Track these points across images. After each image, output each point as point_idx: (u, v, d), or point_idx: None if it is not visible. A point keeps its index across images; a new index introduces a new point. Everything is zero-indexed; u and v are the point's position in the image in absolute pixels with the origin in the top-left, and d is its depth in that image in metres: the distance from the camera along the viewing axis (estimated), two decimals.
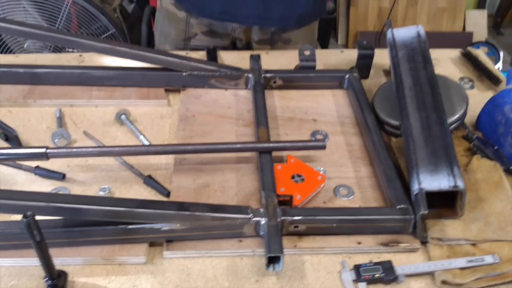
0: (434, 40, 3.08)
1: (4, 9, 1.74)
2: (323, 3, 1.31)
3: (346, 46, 2.95)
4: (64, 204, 0.67)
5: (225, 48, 1.31)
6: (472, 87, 1.10)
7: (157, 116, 0.98)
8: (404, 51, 0.95)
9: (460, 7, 2.94)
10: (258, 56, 1.07)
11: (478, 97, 1.05)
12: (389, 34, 0.99)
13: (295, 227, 0.72)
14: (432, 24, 2.94)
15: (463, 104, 0.92)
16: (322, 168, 0.85)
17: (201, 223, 0.70)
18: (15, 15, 1.75)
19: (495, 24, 3.21)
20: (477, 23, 2.96)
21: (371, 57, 1.06)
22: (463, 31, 2.96)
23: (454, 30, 2.95)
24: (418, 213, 0.72)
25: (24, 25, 0.97)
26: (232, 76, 1.02)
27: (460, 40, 2.89)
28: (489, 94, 1.03)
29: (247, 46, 1.32)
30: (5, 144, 0.90)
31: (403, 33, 0.98)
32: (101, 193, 0.80)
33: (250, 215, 0.71)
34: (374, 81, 1.09)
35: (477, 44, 2.79)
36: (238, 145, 0.85)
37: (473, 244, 0.73)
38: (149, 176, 0.83)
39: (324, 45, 2.78)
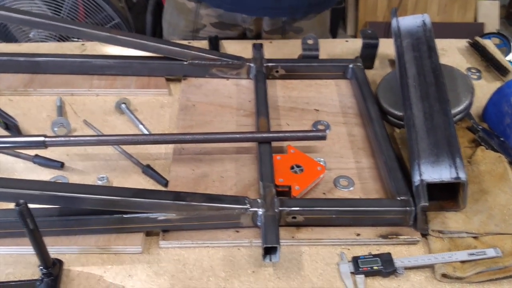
0: (445, 31, 3.03)
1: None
2: None
3: (355, 36, 2.91)
4: (59, 192, 0.66)
5: (234, 39, 1.29)
6: (479, 77, 1.08)
7: (157, 106, 0.97)
8: (408, 40, 0.93)
9: None
10: (261, 45, 1.06)
11: (485, 88, 1.02)
12: (394, 22, 0.97)
13: (293, 218, 0.71)
14: (443, 14, 2.89)
15: (469, 95, 0.90)
16: (322, 159, 0.84)
17: (197, 213, 0.69)
18: (21, 4, 1.75)
19: (508, 15, 3.15)
20: (489, 13, 2.91)
21: (375, 46, 1.04)
22: (474, 21, 2.91)
23: (465, 21, 2.90)
24: (419, 205, 0.70)
25: (26, 14, 0.97)
26: (233, 65, 1.00)
27: (471, 31, 2.84)
28: (496, 85, 1.01)
29: (257, 37, 1.30)
30: (5, 133, 0.90)
31: (408, 21, 0.96)
32: (99, 182, 0.80)
33: (247, 206, 0.70)
34: (379, 71, 1.07)
35: (489, 35, 2.74)
36: (237, 135, 0.84)
37: (475, 237, 0.72)
38: (148, 166, 0.82)
39: (333, 35, 2.75)
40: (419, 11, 2.87)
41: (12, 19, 0.97)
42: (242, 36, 1.32)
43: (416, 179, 0.72)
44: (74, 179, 0.81)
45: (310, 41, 1.03)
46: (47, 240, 0.62)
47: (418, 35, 0.93)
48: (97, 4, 1.58)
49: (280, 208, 0.70)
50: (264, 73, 0.99)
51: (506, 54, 2.61)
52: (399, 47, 0.92)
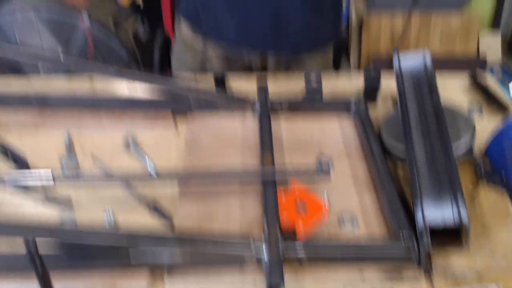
0: (448, 63, 3.07)
1: (20, 31, 1.79)
2: (336, 28, 1.32)
3: (359, 66, 2.95)
4: (68, 240, 0.68)
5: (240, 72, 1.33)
6: (480, 113, 1.09)
7: (163, 141, 0.99)
8: (410, 79, 0.95)
9: (474, 28, 2.93)
10: (266, 85, 1.08)
11: (486, 124, 1.04)
12: (395, 61, 0.99)
13: (298, 258, 0.72)
14: (445, 46, 2.93)
15: (470, 133, 0.91)
16: (325, 194, 0.85)
17: (202, 255, 0.71)
18: (30, 37, 1.79)
19: (510, 48, 3.19)
20: (491, 45, 2.95)
21: (378, 84, 1.06)
22: (477, 53, 2.95)
23: (468, 52, 2.94)
24: (422, 250, 0.71)
25: (34, 53, 1.00)
26: (239, 104, 1.03)
27: (474, 62, 2.88)
28: (498, 121, 1.03)
29: (263, 71, 1.34)
30: (14, 167, 0.92)
31: (409, 60, 0.99)
32: (105, 216, 0.81)
33: (253, 250, 0.71)
34: (382, 107, 1.09)
35: (491, 67, 2.77)
36: (242, 174, 0.86)
37: (478, 273, 0.72)
38: (153, 202, 0.84)
39: (337, 66, 2.80)
40: (421, 42, 2.92)
41: (24, 58, 1.00)
42: (248, 70, 1.35)
43: (419, 220, 0.73)
44: (80, 212, 0.83)
45: (313, 81, 1.05)
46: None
47: (419, 74, 0.95)
48: (106, 39, 1.62)
49: (285, 252, 0.71)
50: (269, 111, 1.02)
51: (508, 85, 2.64)
52: (400, 87, 0.94)
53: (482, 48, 2.95)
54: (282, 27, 1.21)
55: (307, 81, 1.07)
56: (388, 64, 3.03)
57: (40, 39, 1.71)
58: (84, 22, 1.62)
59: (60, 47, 1.73)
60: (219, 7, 1.20)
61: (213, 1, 1.20)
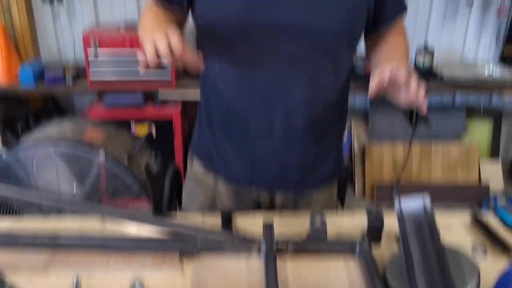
0: (450, 193, 3.12)
1: (38, 164, 1.87)
2: (339, 165, 1.39)
3: (363, 196, 3.00)
4: None
5: (249, 209, 1.36)
6: (484, 254, 1.10)
7: (170, 285, 1.00)
8: (411, 224, 0.98)
9: (474, 157, 3.03)
10: (271, 225, 1.11)
11: (491, 266, 1.04)
12: (396, 205, 1.03)
13: None
14: (447, 175, 3.01)
15: (474, 277, 0.92)
16: None
17: None
18: (47, 169, 1.87)
19: (511, 174, 3.26)
20: (492, 173, 3.02)
21: (381, 226, 1.09)
22: (479, 181, 3.01)
23: (470, 181, 3.00)
24: None
25: (49, 196, 1.05)
26: (245, 245, 1.05)
27: (476, 191, 2.93)
28: (503, 263, 1.03)
29: (271, 207, 1.38)
30: None
31: (410, 204, 1.02)
32: None
33: None
34: (387, 247, 1.10)
35: (495, 195, 2.81)
36: None
37: None
38: None
39: (342, 196, 2.84)
40: (423, 170, 3.00)
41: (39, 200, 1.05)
42: (257, 206, 1.39)
43: None
44: None
45: (317, 221, 1.08)
46: None
47: (420, 218, 0.98)
48: (119, 174, 1.70)
49: None
50: (274, 252, 1.03)
51: None
52: (402, 231, 0.97)
53: (483, 176, 3.02)
54: (288, 169, 1.27)
55: (312, 222, 1.10)
56: (392, 191, 3.07)
57: (56, 173, 1.78)
58: (100, 157, 1.70)
59: (75, 180, 1.80)
60: (229, 150, 1.28)
61: (224, 144, 1.28)
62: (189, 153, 1.44)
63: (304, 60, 1.13)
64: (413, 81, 1.02)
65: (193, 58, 1.00)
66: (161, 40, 0.96)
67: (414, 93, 1.01)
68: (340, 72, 1.21)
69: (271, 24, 1.09)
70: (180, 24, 1.23)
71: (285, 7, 1.08)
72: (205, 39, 1.19)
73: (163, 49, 0.95)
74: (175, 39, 0.96)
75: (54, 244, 1.06)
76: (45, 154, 1.85)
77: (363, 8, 1.15)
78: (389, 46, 1.23)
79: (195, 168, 1.39)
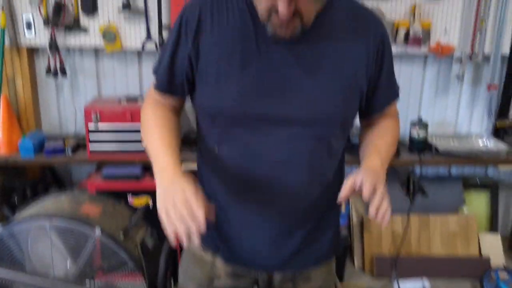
0: (451, 266, 3.06)
1: (32, 238, 1.85)
2: (338, 241, 1.38)
3: (363, 268, 2.94)
4: None
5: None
6: None
7: None
8: None
9: (472, 230, 3.00)
10: None
11: None
12: None
13: None
14: (447, 247, 2.97)
15: None
16: None
17: None
18: (40, 244, 1.85)
19: (511, 247, 3.22)
20: (492, 247, 2.98)
21: None
22: (479, 254, 2.97)
23: (470, 253, 2.96)
24: None
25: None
26: None
27: (477, 265, 2.87)
28: None
29: (269, 285, 1.35)
30: None
31: (408, 286, 1.01)
32: None
33: None
34: None
35: (496, 270, 2.76)
36: None
37: None
38: None
39: (341, 268, 2.80)
40: (423, 243, 2.97)
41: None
42: (256, 285, 1.37)
43: None
44: None
45: None
46: None
47: None
48: (114, 250, 1.67)
49: None
50: None
51: None
52: None
53: (483, 249, 2.98)
54: (285, 250, 1.27)
55: None
56: (390, 264, 3.03)
57: (50, 248, 1.76)
58: (96, 232, 1.69)
59: (69, 255, 1.78)
60: (226, 231, 1.28)
61: (222, 224, 1.28)
62: None
63: (300, 145, 1.16)
64: (377, 197, 1.05)
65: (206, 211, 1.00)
66: (180, 222, 0.97)
67: (374, 210, 1.06)
68: (335, 153, 1.24)
69: (266, 115, 1.13)
70: (181, 108, 1.29)
71: (280, 98, 1.12)
72: (204, 123, 1.23)
73: (182, 232, 0.97)
74: (197, 214, 0.97)
75: None
76: (40, 228, 1.84)
77: (357, 97, 1.19)
78: (376, 132, 1.27)
79: (192, 246, 1.38)
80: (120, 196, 2.48)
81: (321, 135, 1.16)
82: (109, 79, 2.96)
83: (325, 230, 1.32)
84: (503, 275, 2.70)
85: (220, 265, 1.32)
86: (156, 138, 1.17)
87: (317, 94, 1.12)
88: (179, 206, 0.98)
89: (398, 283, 1.02)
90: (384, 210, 1.06)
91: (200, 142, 1.29)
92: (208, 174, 1.28)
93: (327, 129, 1.17)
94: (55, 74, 2.80)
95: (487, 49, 2.84)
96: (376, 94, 1.22)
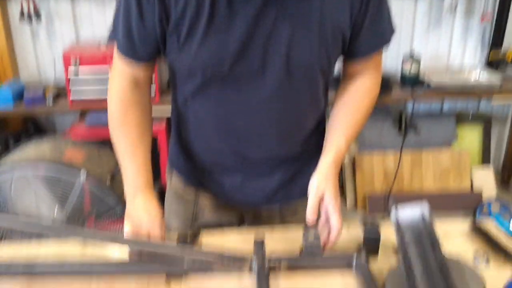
0: (444, 201, 3.09)
1: (16, 188, 1.79)
2: None
3: (355, 207, 2.95)
4: None
5: (232, 223, 1.30)
6: (487, 263, 1.05)
7: None
8: (410, 234, 0.92)
9: (465, 165, 3.00)
10: (262, 242, 1.05)
11: (495, 276, 0.99)
12: (393, 215, 0.98)
13: None
14: (439, 183, 2.97)
15: None
16: None
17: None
18: (26, 194, 1.79)
19: (503, 180, 3.24)
20: (485, 180, 2.99)
21: (378, 238, 1.04)
22: (471, 188, 2.98)
23: (462, 188, 2.97)
24: None
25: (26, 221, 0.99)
26: (235, 263, 0.99)
27: (469, 199, 2.89)
28: (507, 271, 0.98)
29: (255, 220, 1.32)
30: None
31: (407, 214, 0.97)
32: None
33: None
34: (384, 259, 1.05)
35: (489, 203, 2.77)
36: None
37: None
38: None
39: None
40: (415, 179, 2.96)
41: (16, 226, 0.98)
42: (241, 219, 1.33)
43: None
44: None
45: (311, 238, 1.02)
46: None
47: (418, 228, 0.93)
48: (102, 196, 1.63)
49: None
50: (267, 270, 0.97)
51: (509, 220, 2.61)
52: (401, 242, 0.92)
53: (475, 182, 2.99)
54: (268, 187, 1.24)
55: (305, 236, 1.04)
56: (384, 201, 3.03)
57: (35, 196, 1.71)
58: (82, 178, 1.63)
59: (56, 204, 1.73)
60: (208, 172, 1.24)
61: (203, 167, 1.24)
62: (167, 168, 1.38)
63: (278, 94, 1.10)
64: (333, 219, 1.04)
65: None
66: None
67: (326, 235, 1.04)
68: (316, 100, 1.19)
69: (247, 67, 1.05)
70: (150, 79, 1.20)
71: (257, 51, 1.04)
72: (178, 80, 1.15)
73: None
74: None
75: (30, 272, 0.99)
76: (23, 177, 1.78)
77: (338, 43, 1.11)
78: (348, 108, 1.20)
79: (174, 183, 1.33)
80: (106, 145, 2.41)
81: (301, 84, 1.10)
82: (86, 21, 2.82)
83: (309, 161, 1.28)
84: (496, 207, 2.72)
85: (203, 201, 1.29)
86: (128, 156, 1.16)
87: (297, 41, 1.05)
88: (143, 232, 1.05)
89: (396, 208, 0.98)
90: (334, 236, 1.03)
91: (173, 92, 1.21)
92: (184, 122, 1.22)
93: (307, 78, 1.10)
94: (29, 18, 2.65)
95: None
96: (359, 39, 1.14)
